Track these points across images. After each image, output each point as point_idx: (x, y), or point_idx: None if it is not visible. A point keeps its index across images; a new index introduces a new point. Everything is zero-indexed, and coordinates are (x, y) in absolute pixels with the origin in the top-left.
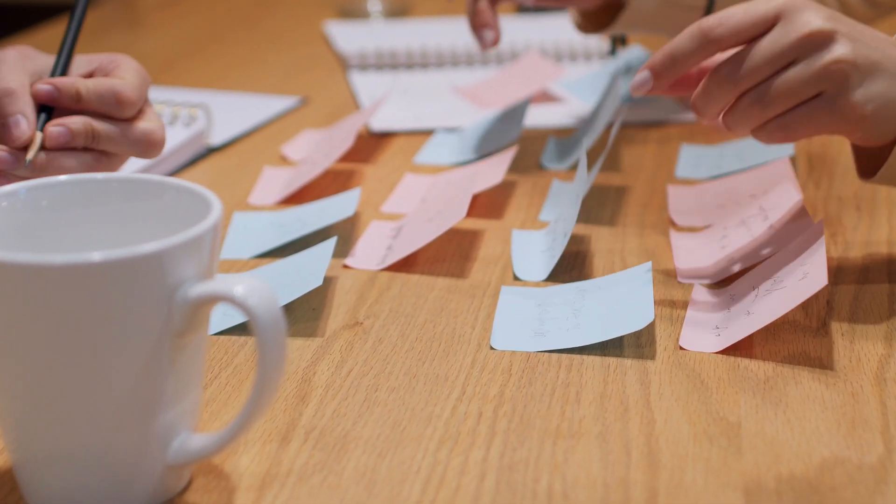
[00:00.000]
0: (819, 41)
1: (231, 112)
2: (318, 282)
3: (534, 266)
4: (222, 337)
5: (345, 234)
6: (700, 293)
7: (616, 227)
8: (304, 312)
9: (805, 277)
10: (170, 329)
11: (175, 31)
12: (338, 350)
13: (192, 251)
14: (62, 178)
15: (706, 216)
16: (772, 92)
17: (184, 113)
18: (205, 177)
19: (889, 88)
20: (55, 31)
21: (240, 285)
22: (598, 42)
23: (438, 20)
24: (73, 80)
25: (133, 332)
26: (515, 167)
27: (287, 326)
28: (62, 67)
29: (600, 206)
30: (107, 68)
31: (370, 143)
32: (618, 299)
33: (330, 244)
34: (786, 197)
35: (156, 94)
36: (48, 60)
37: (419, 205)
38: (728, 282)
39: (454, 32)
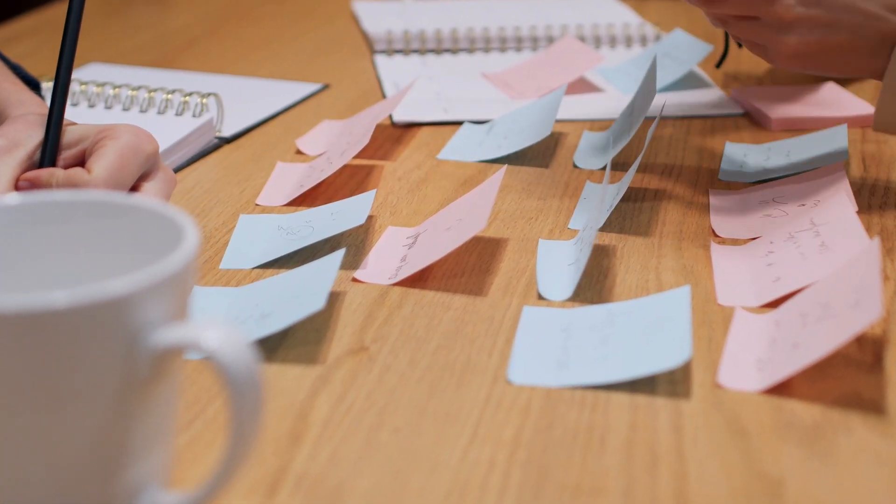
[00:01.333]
0: None
1: (247, 99)
2: (320, 304)
3: (559, 282)
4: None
5: (357, 239)
6: (742, 318)
7: (652, 238)
8: (306, 334)
9: (858, 305)
10: (134, 378)
11: (200, 6)
12: (339, 380)
13: (161, 292)
14: (13, 198)
15: (751, 226)
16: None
17: (194, 102)
18: (213, 172)
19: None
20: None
21: (213, 334)
22: (640, 26)
23: (472, 1)
24: (50, 174)
25: (92, 381)
26: (546, 165)
27: (287, 350)
28: (50, 152)
29: (636, 212)
30: (93, 146)
31: (392, 135)
32: (651, 328)
33: (336, 258)
34: (839, 211)
35: (169, 79)
36: (39, 135)
37: (440, 211)
38: (773, 305)
39: (487, 14)
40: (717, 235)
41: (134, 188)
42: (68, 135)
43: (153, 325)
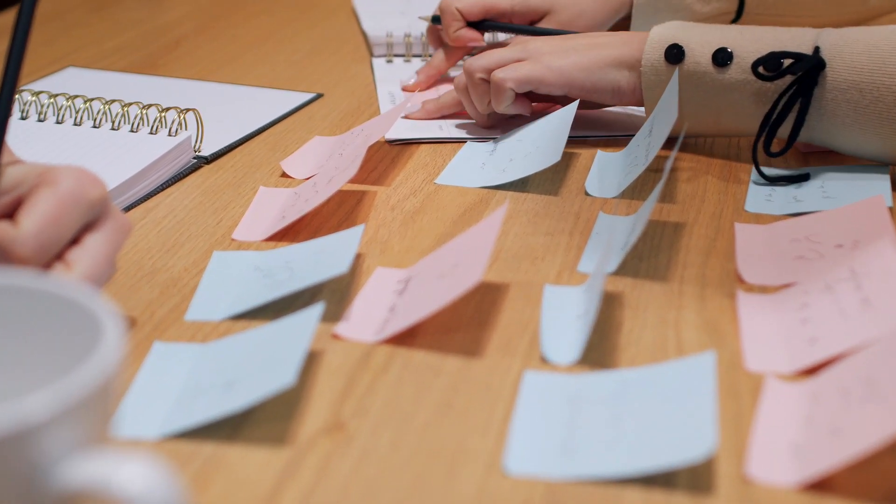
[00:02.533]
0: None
1: (231, 112)
2: (289, 380)
3: (566, 341)
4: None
5: (342, 283)
6: (774, 390)
7: (671, 283)
8: (276, 407)
9: None
10: None
11: (191, 1)
12: (311, 467)
13: (68, 419)
14: None
15: (781, 270)
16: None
17: (171, 118)
18: (188, 198)
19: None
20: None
21: (130, 473)
22: None
23: None
24: None
25: None
26: (555, 192)
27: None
28: None
29: (653, 250)
30: (29, 191)
31: (388, 154)
32: (670, 405)
33: (313, 316)
34: (883, 259)
35: (148, 87)
36: None
37: (435, 251)
38: (809, 370)
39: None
40: (743, 281)
41: (76, 241)
42: (4, 178)
43: (61, 457)
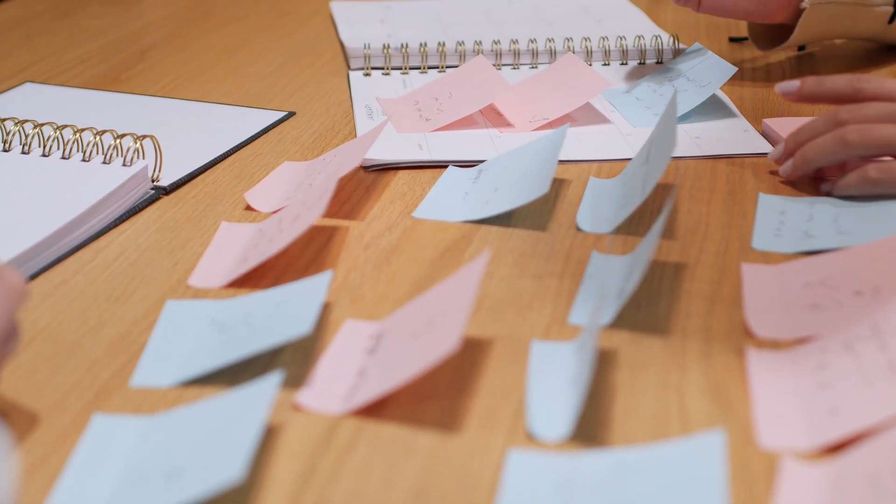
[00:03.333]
0: None
1: (195, 134)
2: (238, 475)
3: (555, 411)
4: None
5: (306, 338)
6: (791, 474)
7: (673, 338)
8: (225, 495)
9: None
10: None
11: (164, 5)
12: None
13: None
14: None
15: (795, 322)
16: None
17: (127, 145)
18: (143, 236)
19: None
20: None
21: None
22: (654, 38)
23: (466, 1)
24: None
25: None
26: (544, 227)
27: None
28: None
29: (652, 297)
30: None
31: (363, 181)
32: (674, 498)
33: (270, 388)
34: None
35: (107, 105)
36: None
37: (410, 304)
38: (833, 450)
39: (481, 21)
40: (753, 334)
41: None
42: None
43: None
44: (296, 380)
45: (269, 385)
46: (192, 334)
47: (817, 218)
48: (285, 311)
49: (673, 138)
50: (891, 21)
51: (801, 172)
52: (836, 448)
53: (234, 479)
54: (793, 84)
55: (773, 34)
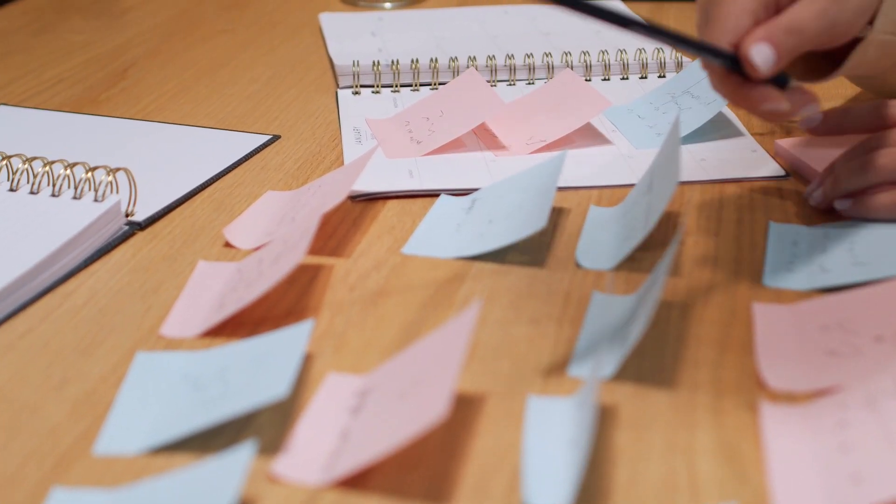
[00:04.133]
0: None
1: (174, 160)
2: None
3: (553, 479)
4: None
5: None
6: None
7: (679, 392)
8: None
9: None
10: None
11: (147, 18)
12: None
13: None
14: None
15: (811, 371)
16: None
17: (99, 178)
18: (114, 278)
19: None
20: None
21: None
22: (656, 51)
23: (458, 12)
24: None
25: None
26: (541, 263)
27: None
28: None
29: (657, 344)
30: None
31: (350, 213)
32: None
33: (241, 462)
34: None
35: (82, 130)
36: None
37: (396, 358)
38: None
39: (477, 32)
40: (766, 387)
41: None
42: None
43: None
44: (273, 444)
45: (241, 457)
46: (162, 391)
47: (831, 249)
48: (263, 367)
49: (677, 168)
50: None
51: (833, 197)
52: None
53: None
54: (815, 117)
55: (810, 63)
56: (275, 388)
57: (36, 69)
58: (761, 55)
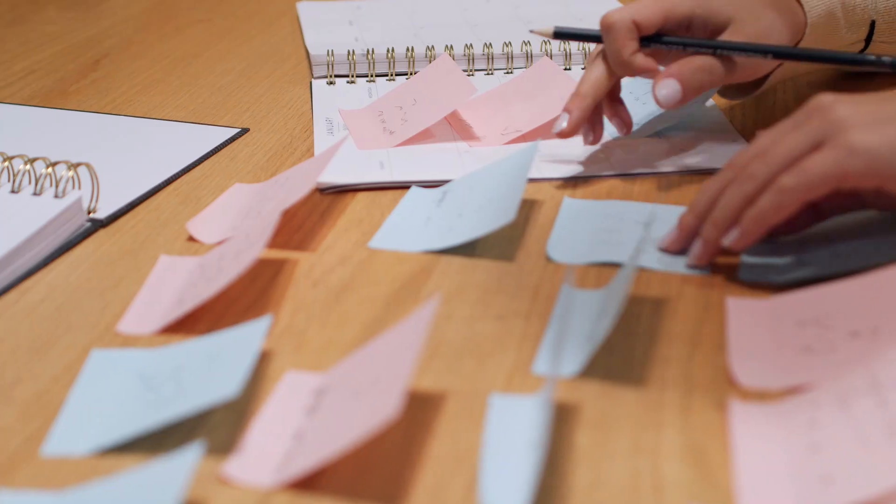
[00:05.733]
0: (818, 108)
1: (140, 154)
2: None
3: (511, 485)
4: None
5: (240, 395)
6: None
7: (648, 391)
8: None
9: None
10: None
11: (123, 8)
12: None
13: None
14: None
15: (784, 367)
16: (768, 162)
17: (60, 173)
18: (73, 275)
19: None
20: None
21: None
22: None
23: (437, 2)
24: None
25: None
26: (511, 257)
27: None
28: None
29: (627, 339)
30: None
31: (318, 205)
32: None
33: (186, 463)
34: None
35: (49, 123)
36: None
37: (354, 355)
38: None
39: (456, 20)
40: (738, 385)
41: None
42: None
43: None
44: (226, 445)
45: (187, 459)
46: (115, 391)
47: (809, 242)
48: (217, 366)
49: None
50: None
51: (714, 239)
52: None
53: None
54: (671, 233)
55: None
56: (226, 387)
57: (7, 61)
58: (667, 89)
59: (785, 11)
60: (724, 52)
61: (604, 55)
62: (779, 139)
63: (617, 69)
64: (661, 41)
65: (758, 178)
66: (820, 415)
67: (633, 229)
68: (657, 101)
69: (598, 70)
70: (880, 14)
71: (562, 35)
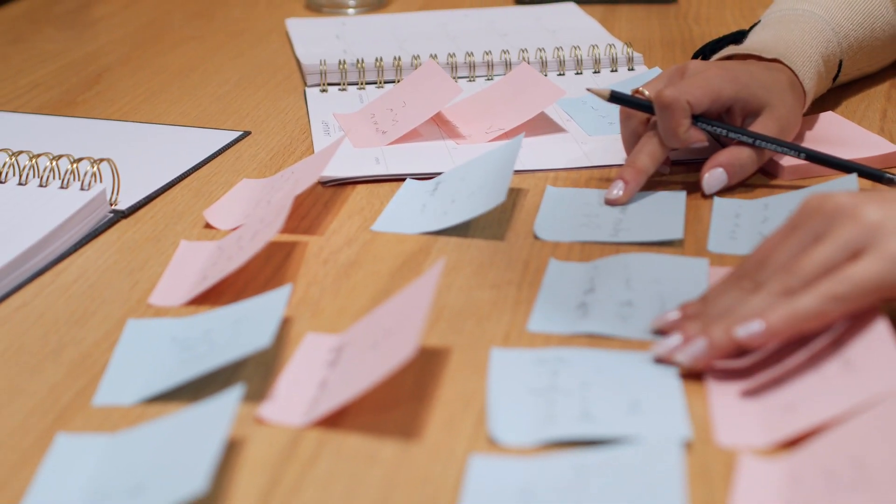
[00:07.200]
0: (842, 212)
1: (151, 156)
2: (200, 487)
3: (517, 417)
4: None
5: (268, 353)
6: (749, 471)
7: (633, 342)
8: None
9: None
10: None
11: (118, 28)
12: None
13: None
14: None
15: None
16: (800, 271)
17: (84, 169)
18: (102, 258)
19: None
20: None
21: None
22: (609, 47)
23: (420, 16)
24: None
25: None
26: (501, 236)
27: None
28: None
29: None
30: None
31: (321, 197)
32: (633, 496)
33: (230, 402)
34: (863, 315)
35: (62, 130)
36: None
37: (368, 315)
38: (789, 445)
39: (436, 33)
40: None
41: None
42: None
43: None
44: (257, 394)
45: (230, 399)
46: (153, 353)
47: (772, 219)
48: (245, 327)
49: (679, 229)
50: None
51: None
52: (793, 443)
53: (196, 491)
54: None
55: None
56: (259, 339)
57: (12, 76)
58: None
59: (797, 91)
60: (763, 144)
61: (656, 130)
62: (793, 245)
63: (670, 142)
64: (708, 123)
65: (789, 288)
66: (782, 354)
67: (609, 211)
68: (703, 186)
69: (653, 144)
70: (845, 53)
71: (617, 99)
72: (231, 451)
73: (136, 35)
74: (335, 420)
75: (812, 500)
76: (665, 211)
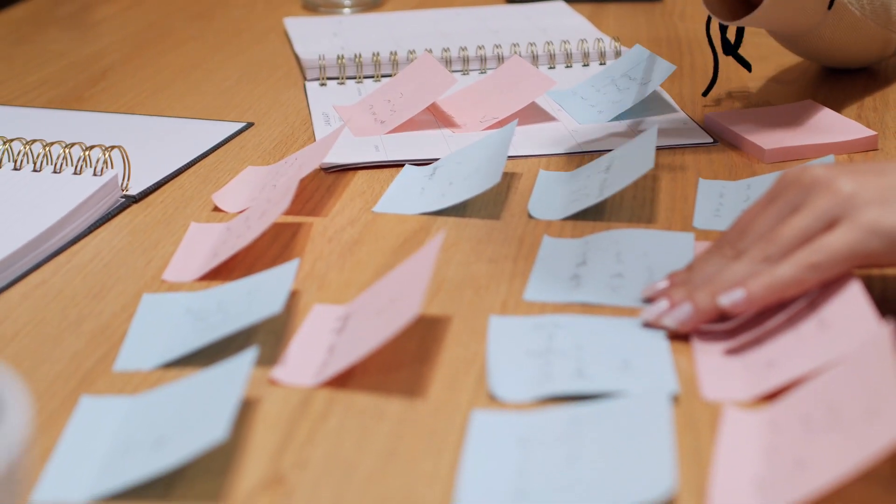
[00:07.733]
0: (818, 184)
1: (159, 146)
2: (221, 434)
3: (514, 375)
4: None
5: (277, 323)
6: (733, 421)
7: (617, 309)
8: (211, 461)
9: (875, 417)
10: None
11: (120, 28)
12: None
13: None
14: None
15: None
16: (778, 240)
17: (96, 156)
18: (115, 239)
19: None
20: None
21: None
22: (597, 41)
23: (414, 15)
24: None
25: None
26: (497, 216)
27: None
28: None
29: None
30: None
31: (323, 182)
32: (626, 447)
33: (246, 361)
34: (837, 278)
35: (72, 123)
36: None
37: (373, 286)
38: (769, 397)
39: (430, 30)
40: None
41: None
42: None
43: None
44: (269, 359)
45: (245, 359)
46: (169, 323)
47: (754, 198)
48: (257, 296)
49: (649, 161)
50: (830, 6)
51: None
52: (773, 396)
53: (217, 438)
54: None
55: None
56: (270, 306)
57: (19, 74)
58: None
59: None
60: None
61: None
62: (771, 215)
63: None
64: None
65: (769, 256)
66: (763, 318)
67: (595, 177)
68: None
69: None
70: None
71: None
72: (246, 410)
73: (139, 35)
74: (343, 380)
75: (790, 443)
76: (641, 151)
